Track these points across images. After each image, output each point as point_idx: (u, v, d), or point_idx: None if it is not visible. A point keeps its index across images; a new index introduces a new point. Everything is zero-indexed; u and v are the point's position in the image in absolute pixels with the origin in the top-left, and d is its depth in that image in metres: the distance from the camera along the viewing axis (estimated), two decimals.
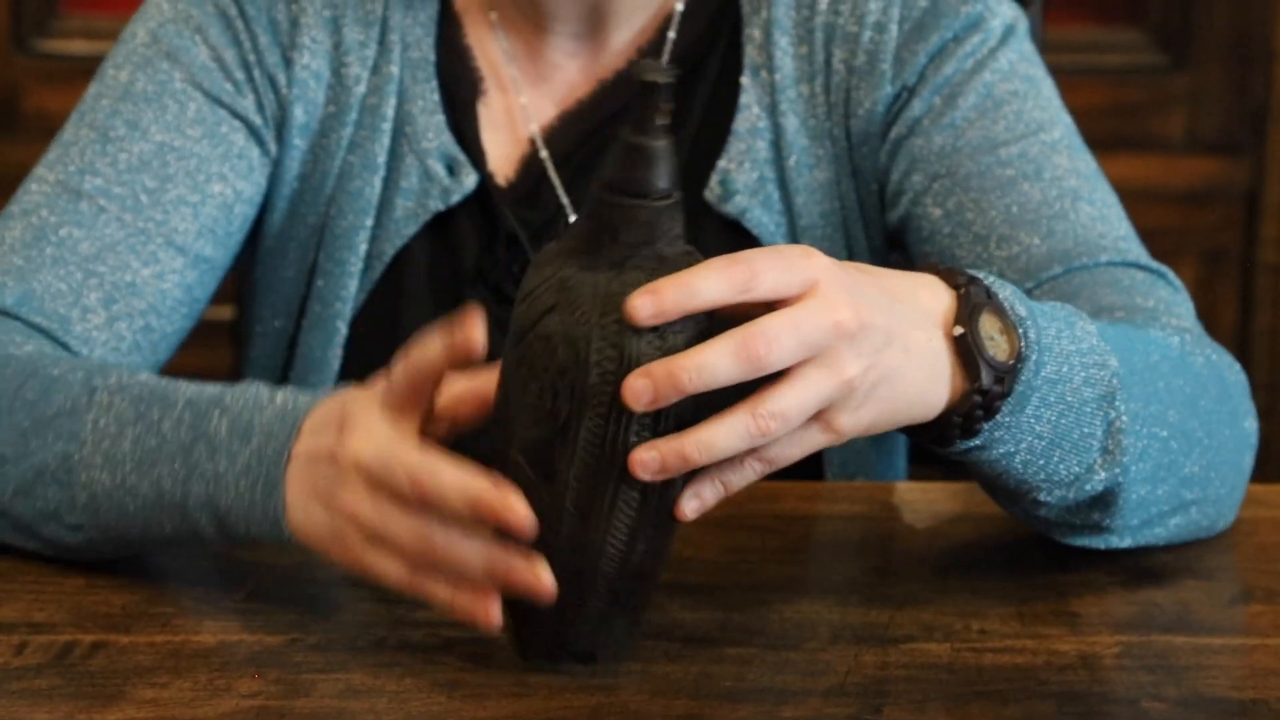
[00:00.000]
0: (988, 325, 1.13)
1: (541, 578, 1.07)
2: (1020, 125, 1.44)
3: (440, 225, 1.48)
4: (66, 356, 1.33)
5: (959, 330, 1.12)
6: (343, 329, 1.48)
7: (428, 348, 1.11)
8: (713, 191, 1.47)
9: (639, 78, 1.05)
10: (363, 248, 1.48)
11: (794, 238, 1.47)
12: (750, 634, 1.18)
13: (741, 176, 1.47)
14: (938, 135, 1.44)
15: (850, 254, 1.49)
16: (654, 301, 1.03)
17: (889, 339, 1.09)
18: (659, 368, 1.03)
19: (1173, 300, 1.39)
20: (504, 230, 1.48)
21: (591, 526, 1.07)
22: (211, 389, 1.22)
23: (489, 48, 1.50)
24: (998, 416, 1.14)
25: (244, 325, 1.57)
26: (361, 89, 1.47)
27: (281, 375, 1.52)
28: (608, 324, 1.04)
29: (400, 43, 1.48)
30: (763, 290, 1.05)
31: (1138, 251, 1.41)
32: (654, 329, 1.04)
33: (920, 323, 1.12)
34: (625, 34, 1.49)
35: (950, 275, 1.15)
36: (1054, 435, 1.17)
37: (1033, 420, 1.16)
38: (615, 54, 1.49)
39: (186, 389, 1.23)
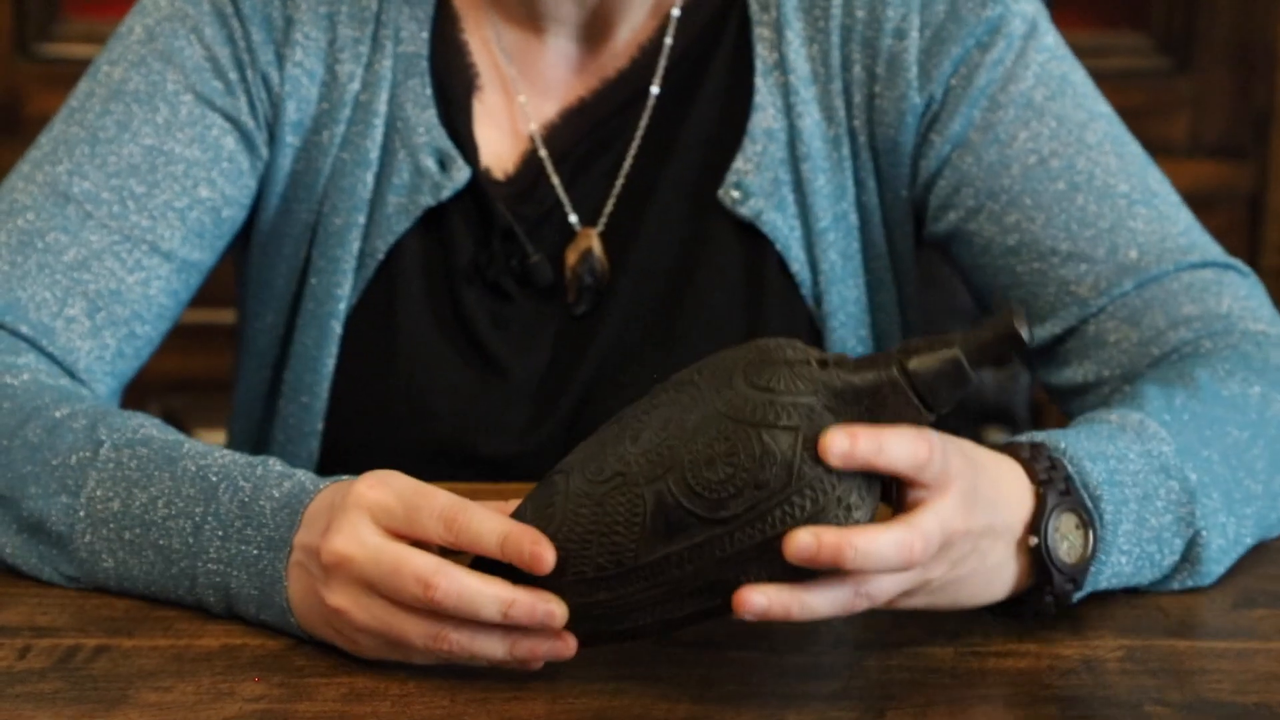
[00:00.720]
0: (1063, 526, 1.18)
1: (568, 645, 1.10)
2: (1064, 131, 1.43)
3: (433, 221, 1.47)
4: (66, 392, 1.32)
5: (1034, 541, 1.16)
6: (337, 327, 1.47)
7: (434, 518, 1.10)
8: (728, 194, 1.46)
9: (1012, 322, 1.06)
10: (356, 245, 1.47)
11: (809, 240, 1.46)
12: (753, 638, 1.18)
13: (757, 178, 1.46)
14: (985, 152, 1.43)
15: (866, 256, 1.48)
16: (849, 445, 1.05)
17: (975, 547, 1.14)
18: (830, 536, 1.05)
19: (1247, 294, 1.40)
20: (499, 225, 1.47)
21: (646, 599, 1.08)
22: (221, 457, 1.22)
23: (487, 44, 1.49)
24: (1070, 598, 1.20)
25: (239, 322, 1.56)
26: (355, 85, 1.46)
27: (275, 372, 1.51)
28: (822, 479, 1.05)
29: (393, 37, 1.47)
30: (925, 477, 1.09)
31: (1202, 245, 1.42)
32: (847, 505, 1.06)
33: (1002, 531, 1.16)
34: (624, 33, 1.48)
35: (1032, 465, 1.18)
36: (1134, 569, 1.22)
37: (1109, 570, 1.21)
38: (615, 53, 1.48)
39: (194, 454, 1.23)
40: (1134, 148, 1.45)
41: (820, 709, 1.09)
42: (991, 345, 1.06)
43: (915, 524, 1.08)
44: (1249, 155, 2.80)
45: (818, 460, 1.05)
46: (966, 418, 1.91)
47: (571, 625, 1.10)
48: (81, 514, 1.23)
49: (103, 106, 1.44)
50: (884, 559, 1.07)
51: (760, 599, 1.06)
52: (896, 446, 1.07)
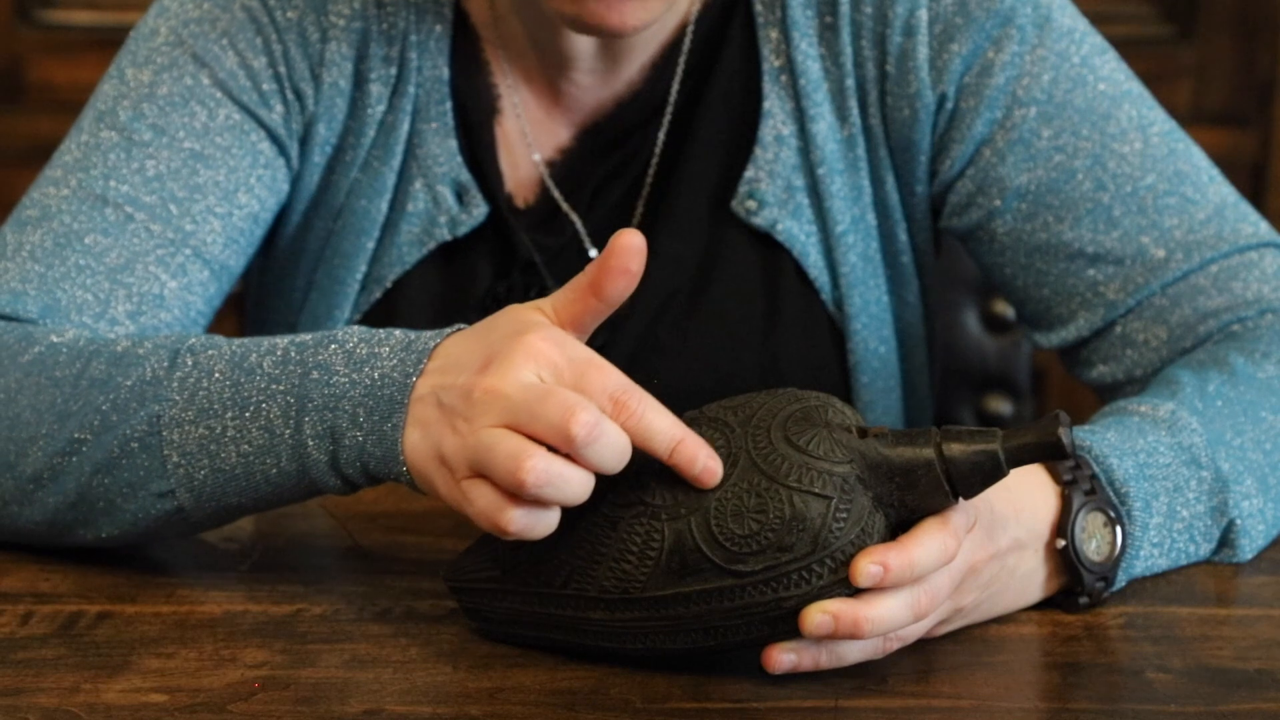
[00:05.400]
0: (1090, 526, 1.18)
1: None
2: (1087, 126, 1.40)
3: (449, 251, 1.44)
4: (116, 334, 1.28)
5: (1061, 543, 1.17)
6: None
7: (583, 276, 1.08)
8: (741, 204, 1.43)
9: (1055, 430, 1.06)
10: (361, 269, 1.44)
11: (827, 245, 1.44)
12: None
13: (770, 187, 1.43)
14: (1009, 154, 1.41)
15: (888, 255, 1.46)
16: (881, 576, 1.05)
17: (1002, 565, 1.15)
18: (847, 612, 1.05)
19: (1277, 271, 1.39)
20: (520, 256, 1.44)
21: (642, 629, 1.07)
22: (308, 335, 1.17)
23: (505, 67, 1.45)
24: (1104, 595, 1.20)
25: (247, 329, 1.53)
26: (381, 107, 1.43)
27: None
28: (844, 551, 1.05)
29: (418, 59, 1.43)
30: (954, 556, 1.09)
31: (1229, 230, 1.40)
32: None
33: (1028, 541, 1.17)
34: (642, 55, 1.45)
35: (1055, 465, 1.18)
36: (1168, 561, 1.23)
37: (1142, 564, 1.22)
38: (630, 72, 1.45)
39: (283, 337, 1.18)
40: (1160, 125, 1.42)
41: (821, 676, 1.09)
42: (1031, 448, 1.06)
43: (926, 581, 1.08)
44: (1252, 124, 2.79)
45: (842, 533, 1.05)
46: (968, 386, 1.91)
47: (559, 634, 1.10)
48: (166, 418, 1.16)
49: (134, 110, 1.39)
50: (899, 621, 1.07)
51: (789, 657, 1.07)
52: (926, 558, 1.06)
